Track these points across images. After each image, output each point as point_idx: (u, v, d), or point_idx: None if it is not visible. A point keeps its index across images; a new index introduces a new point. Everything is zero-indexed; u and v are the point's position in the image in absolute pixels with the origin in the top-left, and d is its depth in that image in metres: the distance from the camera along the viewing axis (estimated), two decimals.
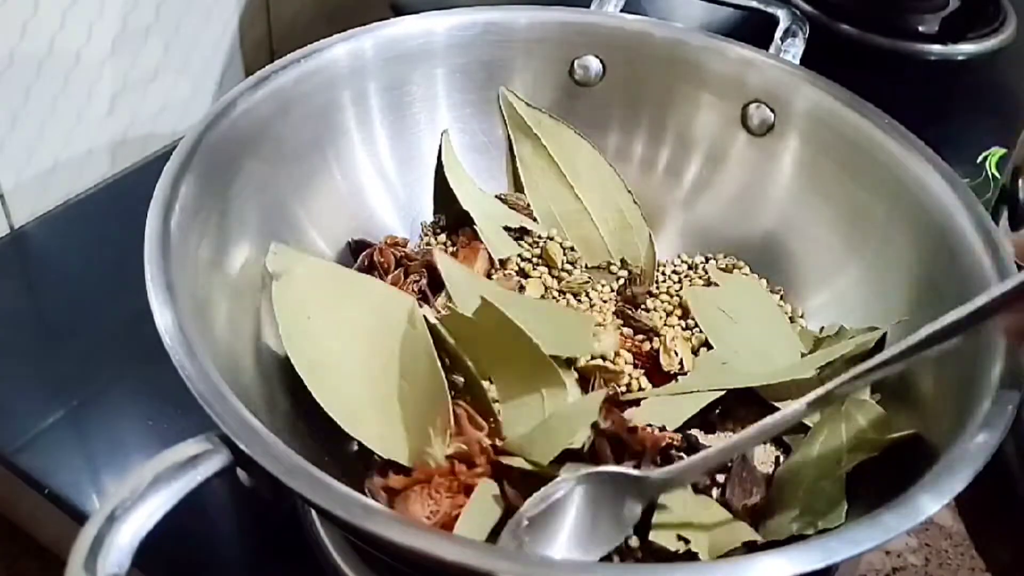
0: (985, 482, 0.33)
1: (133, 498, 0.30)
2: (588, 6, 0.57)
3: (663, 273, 0.53)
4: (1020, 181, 0.56)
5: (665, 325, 0.50)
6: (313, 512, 0.43)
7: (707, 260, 0.54)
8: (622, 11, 0.57)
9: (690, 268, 0.54)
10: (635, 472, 0.38)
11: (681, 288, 0.52)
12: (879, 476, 0.39)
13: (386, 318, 0.44)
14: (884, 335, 0.46)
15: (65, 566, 0.28)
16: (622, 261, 0.53)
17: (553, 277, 0.52)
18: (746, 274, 0.53)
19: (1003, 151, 0.67)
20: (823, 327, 0.49)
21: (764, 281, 0.52)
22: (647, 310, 0.51)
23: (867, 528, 0.31)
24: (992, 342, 0.38)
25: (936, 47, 0.75)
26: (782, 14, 0.56)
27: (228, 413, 0.32)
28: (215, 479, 0.31)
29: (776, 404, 0.45)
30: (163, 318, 0.35)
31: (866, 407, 0.43)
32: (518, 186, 0.56)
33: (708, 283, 0.52)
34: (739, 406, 0.46)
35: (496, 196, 0.55)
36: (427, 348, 0.42)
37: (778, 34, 0.55)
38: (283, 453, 0.32)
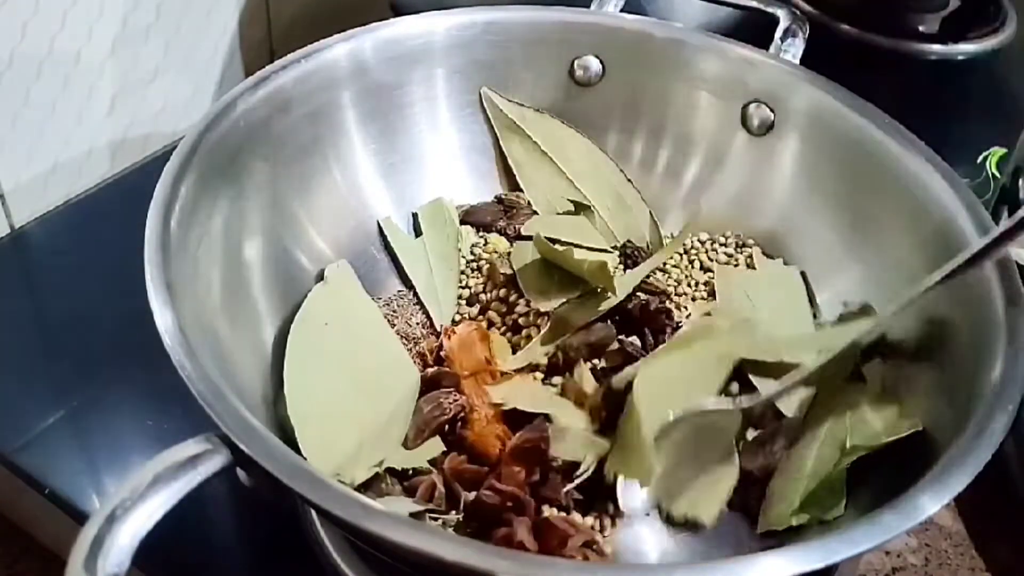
0: (985, 482, 0.33)
1: (133, 498, 0.30)
2: (588, 6, 0.57)
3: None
4: (1020, 181, 0.56)
5: (675, 294, 0.51)
6: (313, 512, 0.43)
7: (712, 240, 0.54)
8: (622, 11, 0.57)
9: (693, 247, 0.54)
10: (729, 407, 0.42)
11: (692, 265, 0.53)
12: (879, 476, 0.39)
13: (389, 382, 0.44)
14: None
15: (65, 566, 0.28)
16: (628, 242, 0.53)
17: None
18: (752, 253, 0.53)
19: (1003, 151, 0.67)
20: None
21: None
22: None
23: (867, 528, 0.31)
24: (992, 342, 0.38)
25: (936, 47, 0.74)
26: (782, 14, 0.56)
27: (228, 413, 0.32)
28: (215, 479, 0.31)
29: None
30: (163, 318, 0.35)
31: (871, 397, 0.43)
32: (513, 185, 0.56)
33: (710, 260, 0.53)
34: None
35: (495, 197, 0.55)
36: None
37: (778, 34, 0.55)
38: (283, 453, 0.32)
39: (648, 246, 0.53)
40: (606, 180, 0.55)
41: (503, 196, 0.55)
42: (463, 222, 0.54)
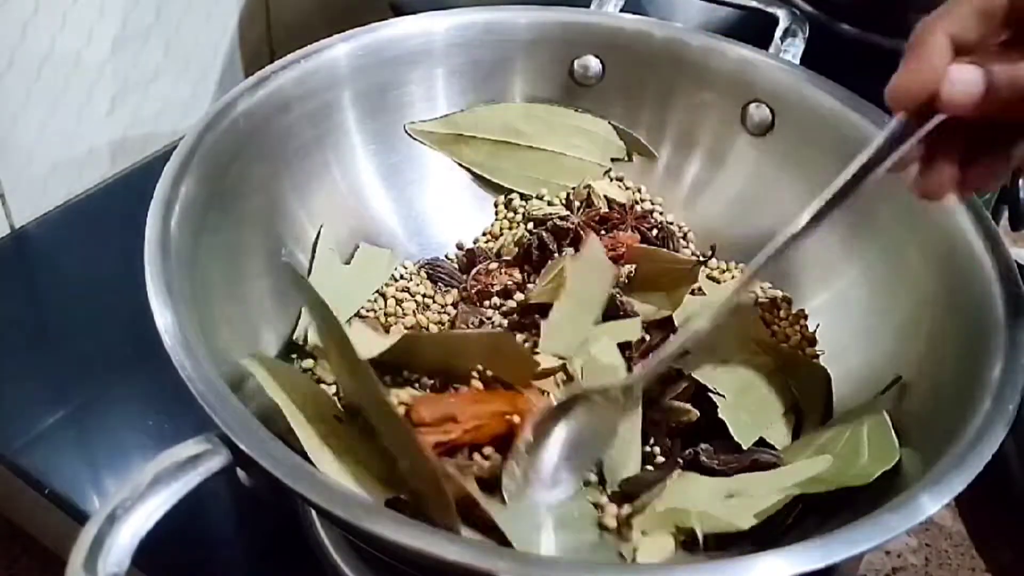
0: (985, 482, 0.33)
1: (133, 498, 0.30)
2: (588, 6, 0.57)
3: None
4: (1020, 181, 0.56)
5: None
6: (313, 512, 0.43)
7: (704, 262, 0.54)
8: (622, 11, 0.57)
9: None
10: (618, 384, 0.41)
11: None
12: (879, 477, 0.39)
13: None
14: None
15: (65, 566, 0.29)
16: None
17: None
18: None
19: None
20: None
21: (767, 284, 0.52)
22: None
23: (867, 528, 0.31)
24: (992, 342, 0.38)
25: None
26: (782, 14, 0.56)
27: (228, 413, 0.32)
28: (215, 479, 0.31)
29: None
30: (163, 318, 0.35)
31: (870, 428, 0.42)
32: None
33: None
34: None
35: (456, 245, 0.54)
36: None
37: (778, 34, 0.56)
38: (283, 453, 0.32)
39: (628, 154, 0.56)
40: (559, 123, 0.55)
41: (465, 245, 0.54)
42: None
